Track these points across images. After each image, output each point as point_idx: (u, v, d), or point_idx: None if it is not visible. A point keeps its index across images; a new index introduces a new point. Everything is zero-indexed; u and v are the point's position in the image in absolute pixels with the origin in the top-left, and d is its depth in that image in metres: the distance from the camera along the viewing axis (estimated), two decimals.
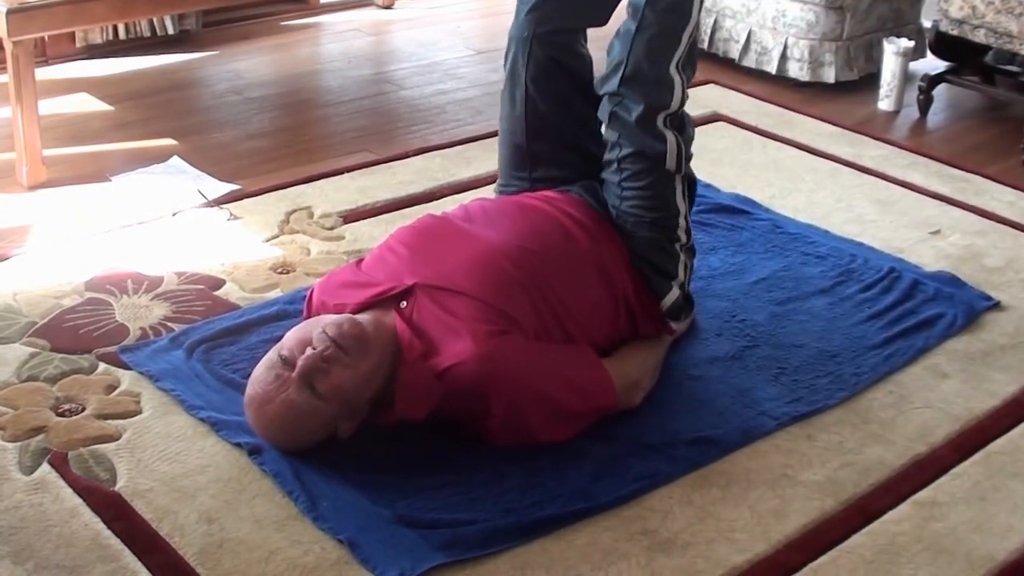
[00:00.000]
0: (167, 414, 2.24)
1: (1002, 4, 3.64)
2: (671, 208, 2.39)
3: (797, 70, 4.14)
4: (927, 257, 2.96)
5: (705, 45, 4.31)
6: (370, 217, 3.06)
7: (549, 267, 2.24)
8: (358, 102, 3.90)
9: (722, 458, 2.19)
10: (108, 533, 1.94)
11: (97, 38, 4.12)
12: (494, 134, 3.57)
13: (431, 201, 3.14)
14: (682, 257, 2.40)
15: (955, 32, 3.81)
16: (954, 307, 2.70)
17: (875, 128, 3.84)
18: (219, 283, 2.71)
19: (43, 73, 3.76)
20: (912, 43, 3.99)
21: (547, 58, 2.46)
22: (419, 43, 4.50)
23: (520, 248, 2.25)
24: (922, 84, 3.95)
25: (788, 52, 4.14)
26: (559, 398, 2.14)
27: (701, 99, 3.80)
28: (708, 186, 3.19)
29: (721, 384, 2.40)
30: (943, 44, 3.97)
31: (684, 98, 2.38)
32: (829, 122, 3.82)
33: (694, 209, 2.70)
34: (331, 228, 2.99)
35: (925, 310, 2.69)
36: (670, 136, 2.36)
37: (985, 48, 3.92)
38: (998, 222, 3.18)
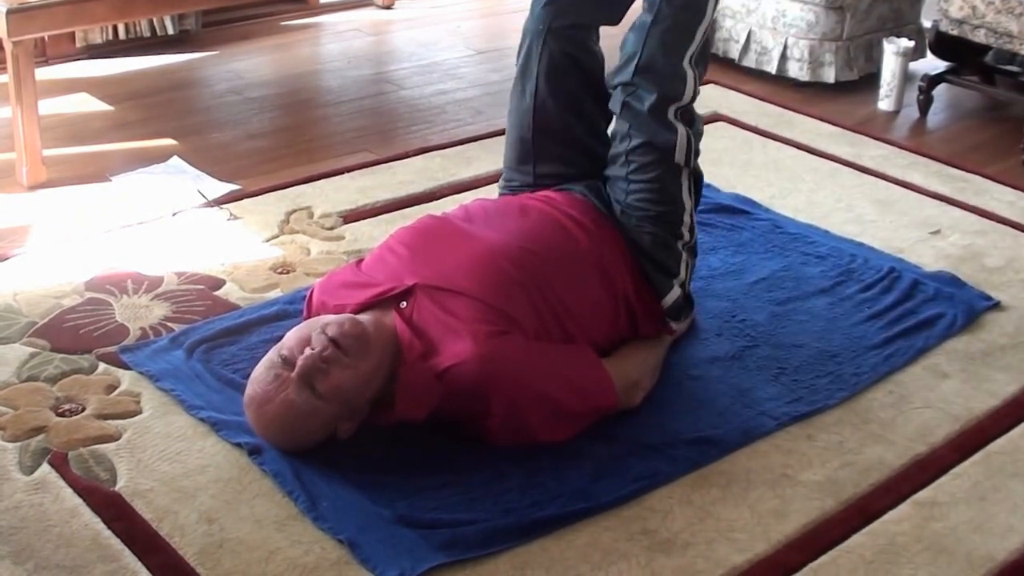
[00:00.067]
0: (167, 414, 2.24)
1: (1002, 4, 3.64)
2: (677, 203, 2.39)
3: (797, 70, 4.14)
4: (927, 257, 2.96)
5: None
6: (370, 217, 3.06)
7: (549, 267, 2.24)
8: (358, 102, 3.90)
9: (722, 458, 2.19)
10: (108, 533, 1.94)
11: (97, 38, 4.12)
12: (494, 134, 3.60)
13: (431, 201, 3.14)
14: (684, 256, 2.40)
15: (955, 32, 3.81)
16: (954, 307, 2.70)
17: (875, 128, 3.84)
18: (219, 283, 2.71)
19: (43, 73, 3.76)
20: (912, 43, 3.99)
21: (561, 53, 2.46)
22: (419, 43, 4.50)
23: (520, 248, 2.25)
24: (922, 84, 3.95)
25: (788, 52, 4.14)
26: (559, 398, 2.14)
27: (701, 99, 3.74)
28: (708, 186, 3.18)
29: (721, 384, 2.40)
30: (943, 44, 3.97)
31: (696, 92, 2.40)
32: (829, 122, 3.82)
33: None
34: (331, 228, 2.99)
35: (925, 310, 2.69)
36: (681, 128, 2.37)
37: (985, 48, 3.92)
38: (998, 222, 3.18)
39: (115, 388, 2.31)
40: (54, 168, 3.24)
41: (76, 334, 2.48)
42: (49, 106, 3.58)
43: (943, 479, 2.18)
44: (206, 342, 2.43)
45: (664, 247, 2.37)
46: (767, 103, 3.96)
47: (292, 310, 2.53)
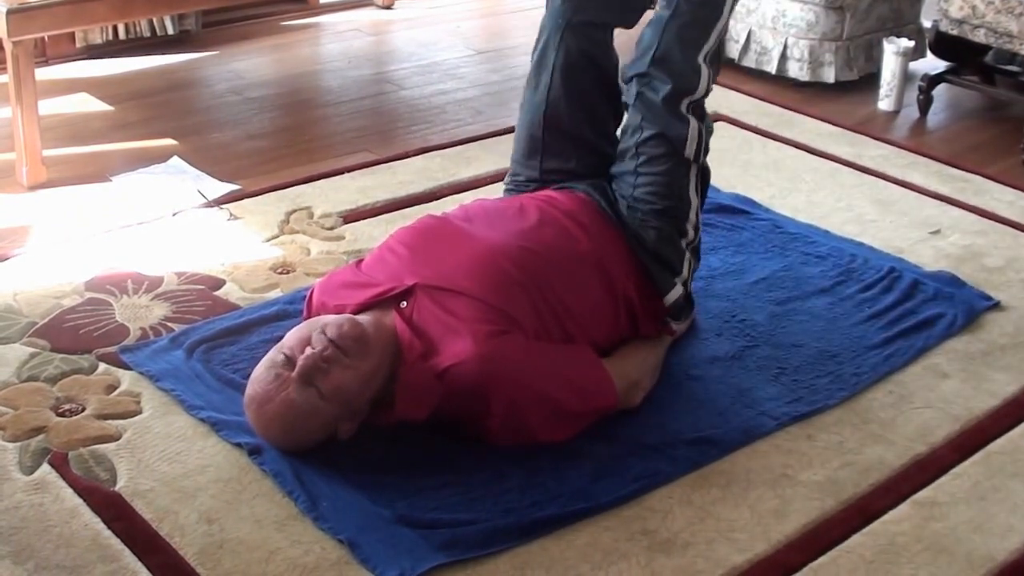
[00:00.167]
0: (167, 414, 2.24)
1: (1002, 4, 3.64)
2: (684, 198, 2.39)
3: (797, 70, 4.14)
4: (927, 257, 2.96)
5: None
6: (370, 217, 3.06)
7: (549, 267, 2.24)
8: (358, 102, 3.90)
9: (722, 458, 2.19)
10: (108, 533, 1.94)
11: (97, 38, 4.12)
12: (494, 134, 3.61)
13: (431, 201, 3.14)
14: (688, 255, 2.41)
15: (955, 32, 3.81)
16: (954, 307, 2.70)
17: (875, 128, 3.84)
18: (219, 283, 2.71)
19: (43, 73, 3.76)
20: (912, 43, 3.99)
21: (579, 50, 2.47)
22: (419, 43, 4.50)
23: (520, 248, 2.25)
24: (922, 84, 3.95)
25: (788, 52, 4.14)
26: (559, 398, 2.14)
27: None
28: (709, 186, 3.19)
29: (721, 384, 2.40)
30: (943, 44, 3.97)
31: (708, 89, 2.42)
32: (829, 122, 3.82)
33: None
34: (331, 228, 2.99)
35: (925, 310, 2.69)
36: (693, 121, 2.38)
37: (985, 48, 3.92)
38: (998, 222, 3.18)
39: (115, 388, 2.31)
40: (54, 168, 3.24)
41: (76, 334, 2.48)
42: (49, 106, 3.58)
43: (943, 479, 2.18)
44: (206, 342, 2.43)
45: (669, 244, 2.37)
46: (767, 103, 3.96)
47: (292, 310, 2.53)
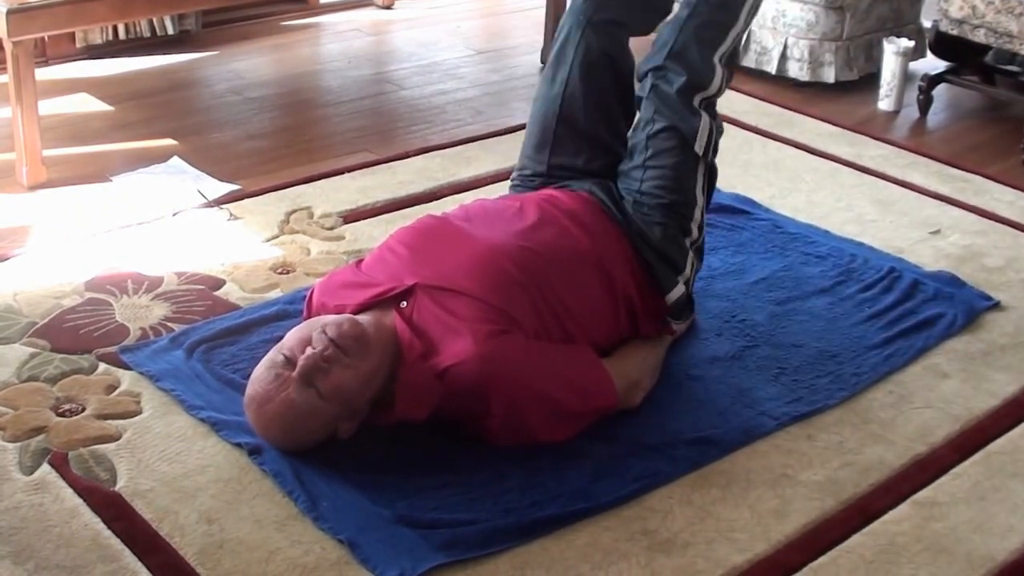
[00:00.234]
0: (167, 414, 2.24)
1: (1002, 4, 3.64)
2: (690, 195, 2.40)
3: (797, 70, 4.14)
4: (927, 257, 2.96)
5: None
6: (370, 217, 3.06)
7: (550, 267, 2.24)
8: (358, 102, 3.90)
9: (722, 458, 2.19)
10: (108, 533, 1.94)
11: (97, 38, 4.12)
12: (494, 134, 3.61)
13: (431, 201, 3.14)
14: (691, 255, 2.41)
15: (955, 32, 3.81)
16: (954, 307, 2.70)
17: (875, 128, 3.85)
18: (219, 283, 2.71)
19: (43, 73, 3.76)
20: (912, 43, 3.99)
21: (599, 48, 2.49)
22: (419, 43, 4.50)
23: (520, 248, 2.25)
24: (922, 84, 3.95)
25: (788, 52, 4.14)
26: (559, 398, 2.14)
27: None
28: None
29: (721, 384, 2.40)
30: (943, 44, 3.97)
31: (722, 89, 2.45)
32: (829, 122, 3.82)
33: None
34: (331, 228, 2.99)
35: (925, 310, 2.69)
36: (705, 116, 2.41)
37: (985, 48, 3.92)
38: (998, 222, 3.18)
39: (115, 388, 2.31)
40: (54, 168, 3.24)
41: (76, 334, 2.48)
42: (49, 106, 3.58)
43: (943, 479, 2.18)
44: (206, 342, 2.43)
45: (673, 242, 2.38)
46: (767, 103, 3.96)
47: (292, 310, 2.53)
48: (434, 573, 1.88)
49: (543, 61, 4.28)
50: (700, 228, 2.43)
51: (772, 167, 3.46)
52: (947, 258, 2.96)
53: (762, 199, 3.22)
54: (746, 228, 3.04)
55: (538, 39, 4.34)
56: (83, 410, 2.24)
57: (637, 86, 2.48)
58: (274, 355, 2.09)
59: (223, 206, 3.07)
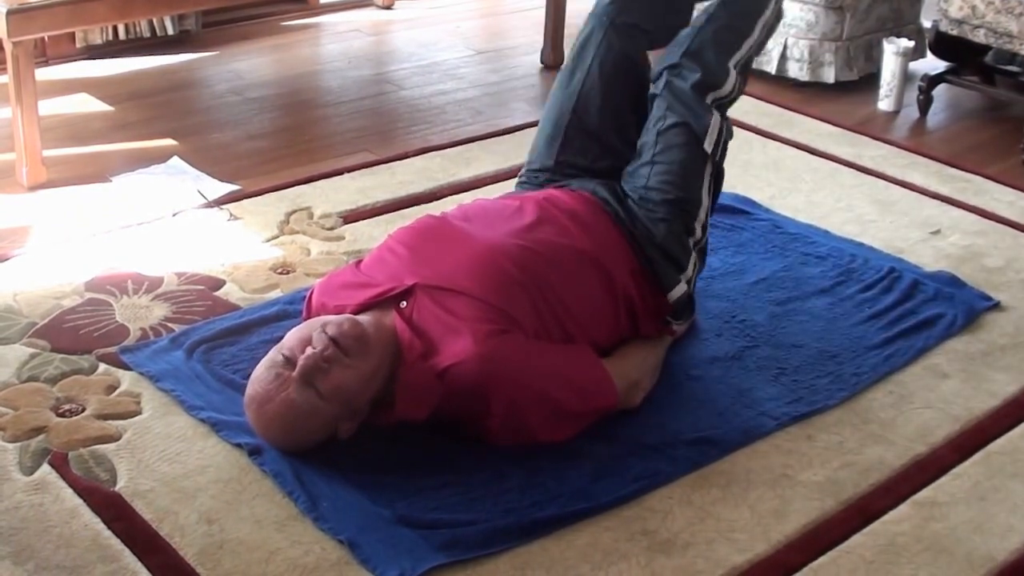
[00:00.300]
0: (167, 415, 2.24)
1: (1002, 4, 3.64)
2: (695, 194, 2.40)
3: (797, 70, 4.14)
4: (927, 257, 2.96)
5: None
6: (370, 217, 3.06)
7: (549, 267, 2.24)
8: (358, 102, 3.90)
9: (722, 458, 2.19)
10: (108, 533, 1.94)
11: (97, 39, 4.12)
12: (494, 134, 3.61)
13: (431, 201, 3.14)
14: (694, 255, 2.41)
15: (955, 32, 3.81)
16: (954, 307, 2.70)
17: (875, 128, 3.85)
18: (219, 283, 2.71)
19: (43, 73, 3.76)
20: (912, 43, 3.99)
21: (620, 50, 2.52)
22: (419, 43, 4.51)
23: (520, 247, 2.25)
24: (922, 84, 3.95)
25: (788, 52, 4.14)
26: (559, 398, 2.15)
27: None
28: None
29: (721, 384, 2.40)
30: (943, 44, 3.97)
31: (734, 93, 2.47)
32: (829, 122, 3.82)
33: None
34: (331, 228, 2.99)
35: (925, 310, 2.69)
36: (716, 115, 2.42)
37: (985, 48, 3.92)
38: (998, 222, 3.18)
39: (115, 388, 2.31)
40: (54, 168, 3.24)
41: (76, 335, 2.48)
42: (49, 106, 3.58)
43: (943, 479, 2.18)
44: (206, 342, 2.43)
45: (677, 240, 2.38)
46: (767, 103, 3.96)
47: (292, 311, 2.53)
48: (434, 573, 1.88)
49: (543, 61, 4.28)
50: (704, 229, 2.43)
51: (772, 167, 3.46)
52: (947, 258, 2.96)
53: (762, 199, 3.22)
54: (746, 228, 3.04)
55: (538, 39, 4.34)
56: (83, 410, 2.24)
57: (652, 87, 2.49)
58: (274, 355, 2.09)
59: (223, 206, 3.07)
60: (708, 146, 2.40)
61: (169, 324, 2.53)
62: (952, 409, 2.38)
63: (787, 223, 3.08)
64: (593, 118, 2.52)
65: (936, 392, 2.43)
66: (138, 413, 2.24)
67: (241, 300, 2.64)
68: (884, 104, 4.01)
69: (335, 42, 4.49)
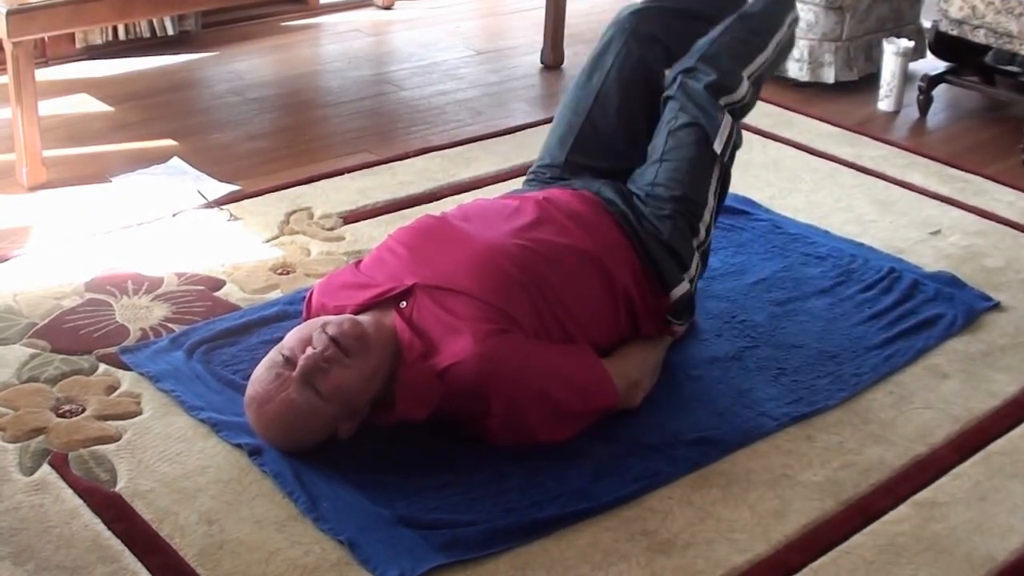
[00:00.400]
0: (167, 415, 2.24)
1: (1002, 4, 3.64)
2: (701, 194, 2.41)
3: (797, 70, 4.14)
4: (927, 257, 2.96)
5: None
6: (370, 218, 3.06)
7: (549, 267, 2.24)
8: (358, 103, 3.90)
9: (722, 458, 2.19)
10: (108, 534, 1.94)
11: (97, 39, 4.12)
12: (494, 135, 3.61)
13: (431, 202, 3.14)
14: (697, 256, 2.42)
15: (955, 32, 3.81)
16: (954, 307, 2.70)
17: (875, 128, 3.85)
18: (219, 284, 2.71)
19: (43, 74, 3.76)
20: (912, 43, 3.99)
21: (639, 58, 2.54)
22: (419, 44, 4.51)
23: (519, 247, 2.25)
24: (922, 84, 3.95)
25: None
26: (559, 398, 2.15)
27: None
28: None
29: (721, 385, 2.40)
30: (943, 44, 3.97)
31: (746, 100, 2.50)
32: (829, 122, 3.82)
33: None
34: (331, 229, 2.99)
35: (925, 310, 2.69)
36: (728, 117, 2.44)
37: (985, 48, 3.92)
38: (998, 222, 3.18)
39: (115, 389, 2.31)
40: (54, 169, 3.24)
41: (76, 335, 2.48)
42: (49, 107, 3.58)
43: (943, 480, 2.18)
44: (206, 343, 2.43)
45: (682, 239, 2.38)
46: (767, 103, 3.95)
47: (292, 311, 2.53)
48: (434, 574, 1.88)
49: (543, 61, 4.28)
50: (708, 231, 2.44)
51: (772, 167, 3.46)
52: (947, 258, 2.96)
53: (762, 199, 3.22)
54: (746, 228, 3.04)
55: (538, 39, 4.34)
56: (83, 411, 2.24)
57: (666, 90, 2.51)
58: (274, 355, 2.09)
59: (223, 207, 3.07)
60: (718, 147, 2.42)
61: (169, 324, 2.53)
62: (952, 409, 2.38)
63: (787, 223, 3.08)
64: (607, 120, 2.54)
65: (936, 392, 2.43)
66: (138, 413, 2.24)
67: (241, 300, 2.64)
68: (884, 104, 4.01)
69: (335, 42, 4.49)
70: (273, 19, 4.65)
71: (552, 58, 4.26)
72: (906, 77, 4.00)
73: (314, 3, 4.82)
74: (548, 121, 3.65)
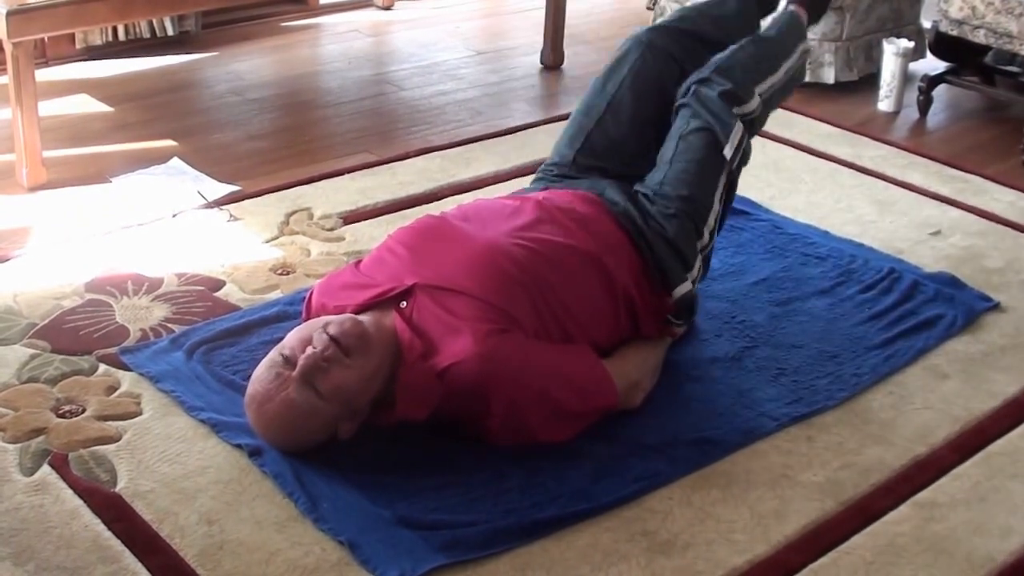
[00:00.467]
0: (167, 415, 2.24)
1: (1002, 4, 3.64)
2: (708, 197, 2.43)
3: None
4: (927, 258, 2.96)
5: None
6: (370, 218, 3.06)
7: (549, 266, 2.24)
8: (358, 103, 3.90)
9: (722, 459, 2.19)
10: (109, 534, 1.94)
11: (97, 39, 4.12)
12: (494, 135, 3.61)
13: (431, 202, 3.14)
14: (699, 258, 2.42)
15: (955, 32, 3.81)
16: (954, 308, 2.71)
17: (875, 128, 3.85)
18: (219, 284, 2.71)
19: (43, 74, 3.76)
20: (912, 43, 3.99)
21: (655, 69, 2.59)
22: (419, 44, 4.51)
23: (519, 247, 2.25)
24: (922, 84, 3.95)
25: None
26: (559, 398, 2.15)
27: None
28: None
29: (721, 385, 2.41)
30: (943, 44, 3.97)
31: (757, 113, 2.52)
32: (829, 122, 3.82)
33: None
34: (331, 229, 2.99)
35: (925, 311, 2.69)
36: (739, 124, 2.46)
37: (985, 48, 3.92)
38: (998, 223, 3.18)
39: (115, 389, 2.31)
40: (54, 169, 3.24)
41: (76, 335, 2.48)
42: (49, 107, 3.58)
43: (943, 480, 2.18)
44: (206, 343, 2.43)
45: (687, 240, 2.39)
46: None
47: (292, 311, 2.53)
48: (434, 574, 1.88)
49: (543, 62, 4.28)
50: (711, 234, 2.45)
51: (772, 168, 3.46)
52: (947, 259, 2.96)
53: (762, 200, 3.23)
54: (746, 229, 3.04)
55: (538, 40, 4.34)
56: (83, 411, 2.24)
57: (679, 99, 2.53)
58: (274, 355, 2.09)
59: (223, 207, 3.07)
60: (728, 152, 2.43)
61: (169, 325, 2.53)
62: (952, 410, 2.38)
63: (787, 224, 3.08)
64: (618, 126, 2.56)
65: (936, 392, 2.43)
66: (138, 414, 2.24)
67: (241, 301, 2.64)
68: (884, 104, 4.01)
69: (335, 43, 4.49)
70: (273, 19, 4.65)
71: (552, 58, 4.26)
72: (906, 77, 4.00)
73: (314, 3, 4.82)
74: (548, 121, 3.69)
